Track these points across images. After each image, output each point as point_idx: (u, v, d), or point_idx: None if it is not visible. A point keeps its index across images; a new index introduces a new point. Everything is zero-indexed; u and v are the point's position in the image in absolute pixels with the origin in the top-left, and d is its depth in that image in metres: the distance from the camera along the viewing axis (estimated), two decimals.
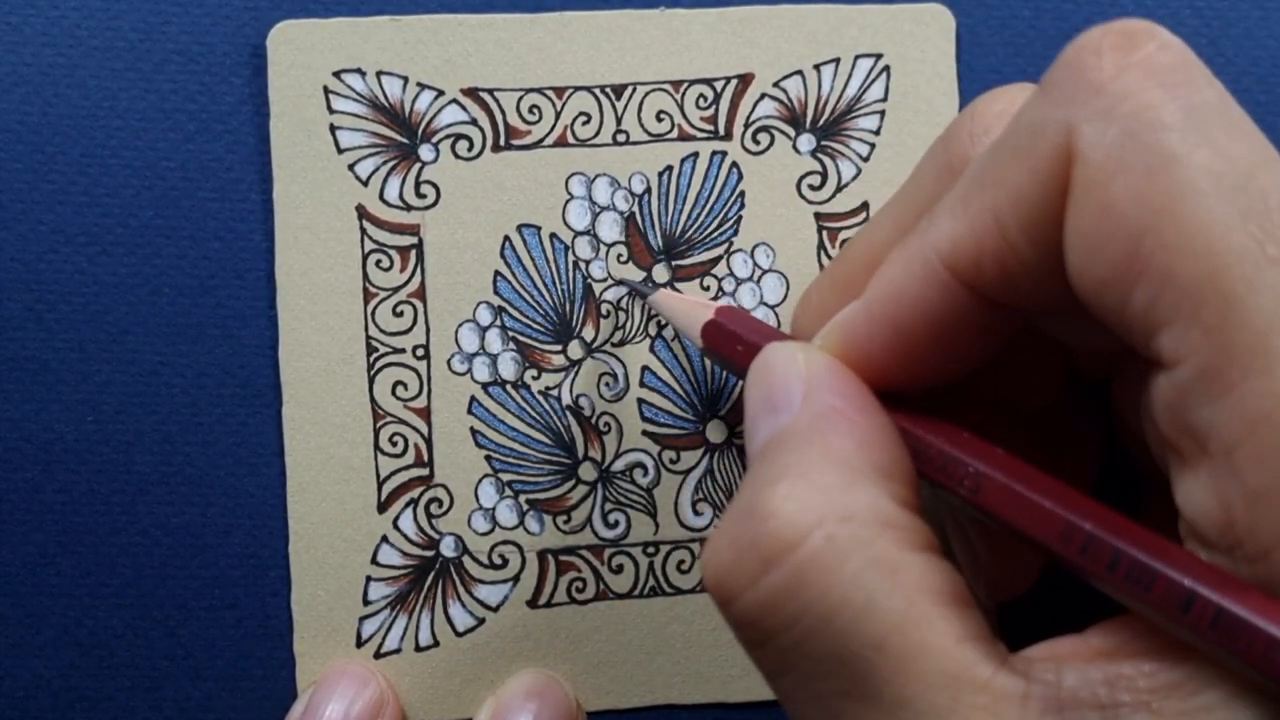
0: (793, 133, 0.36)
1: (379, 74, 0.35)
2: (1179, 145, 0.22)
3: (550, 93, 0.36)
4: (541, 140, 0.36)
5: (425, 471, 0.35)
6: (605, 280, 0.36)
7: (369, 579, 0.35)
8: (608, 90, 0.36)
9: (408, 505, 0.35)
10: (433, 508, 0.35)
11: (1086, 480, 0.30)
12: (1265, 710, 0.21)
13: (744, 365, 0.29)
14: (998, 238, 0.24)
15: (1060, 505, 0.23)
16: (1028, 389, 0.29)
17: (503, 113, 0.36)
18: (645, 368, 0.36)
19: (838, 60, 0.37)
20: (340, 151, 0.35)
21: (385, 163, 0.35)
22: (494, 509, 0.35)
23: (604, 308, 0.36)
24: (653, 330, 0.36)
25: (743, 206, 0.36)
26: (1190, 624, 0.21)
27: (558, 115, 0.36)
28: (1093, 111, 0.22)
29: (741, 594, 0.23)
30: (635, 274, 0.36)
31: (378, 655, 0.35)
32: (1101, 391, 0.29)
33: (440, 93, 0.36)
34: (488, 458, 0.35)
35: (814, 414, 0.25)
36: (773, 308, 0.36)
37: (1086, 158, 0.22)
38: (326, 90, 0.35)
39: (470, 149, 0.36)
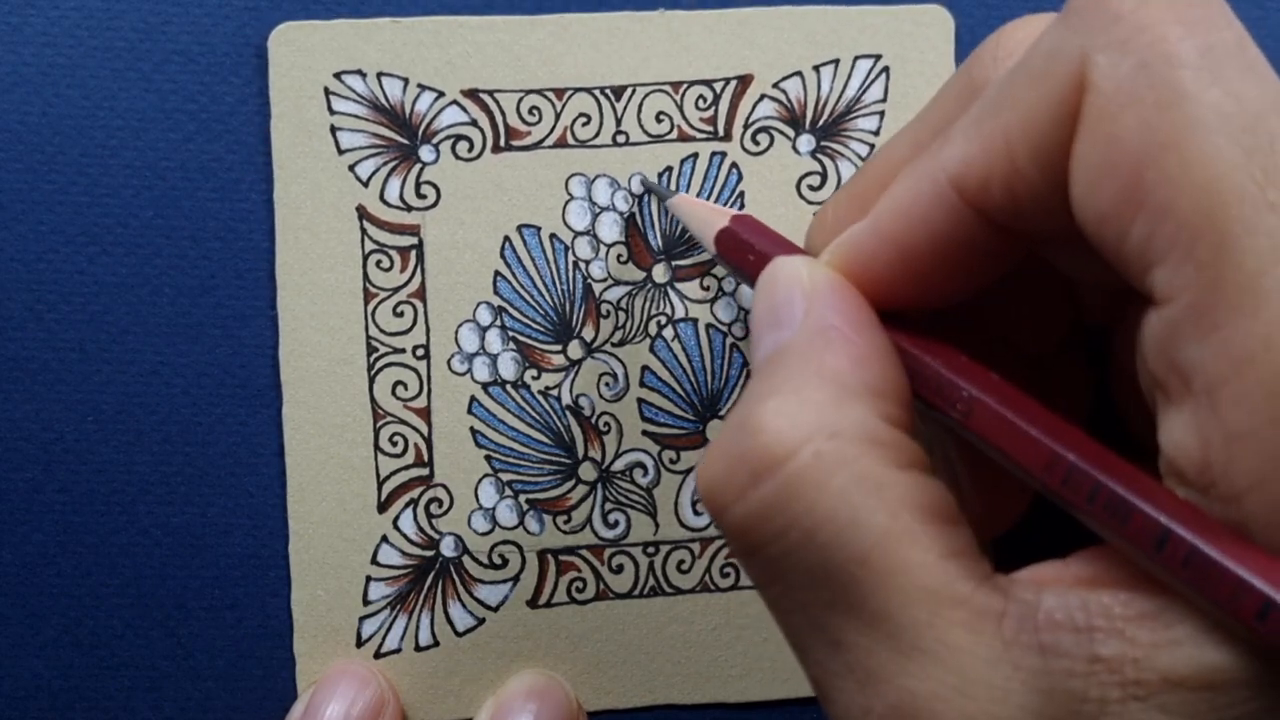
0: (792, 133, 0.36)
1: (379, 75, 0.35)
2: (1191, 82, 0.22)
3: (550, 94, 0.36)
4: (541, 141, 0.36)
5: (425, 471, 0.35)
6: (605, 280, 0.36)
7: (369, 579, 0.35)
8: (607, 91, 0.36)
9: (408, 505, 0.35)
10: (433, 508, 0.35)
11: (1079, 417, 0.30)
12: (1232, 648, 0.21)
13: (754, 275, 0.29)
14: (1006, 161, 0.24)
15: (1047, 435, 0.23)
16: (1031, 329, 0.29)
17: (503, 114, 0.36)
18: (645, 368, 0.36)
19: (837, 61, 0.37)
20: (341, 152, 0.35)
21: (386, 163, 0.35)
22: (494, 509, 0.35)
23: (604, 308, 0.36)
24: (653, 330, 0.36)
25: (742, 207, 0.36)
26: (1163, 561, 0.21)
27: (558, 116, 0.36)
28: (1109, 41, 0.22)
29: (732, 505, 0.24)
30: (635, 274, 0.36)
31: (378, 655, 0.35)
32: (1101, 341, 0.30)
33: (440, 94, 0.36)
34: (488, 458, 0.35)
35: (811, 330, 0.25)
36: None
37: (1098, 87, 0.22)
38: (327, 91, 0.35)
39: (470, 150, 0.36)
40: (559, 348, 0.36)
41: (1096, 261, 0.24)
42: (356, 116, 0.35)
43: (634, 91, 0.36)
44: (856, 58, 0.37)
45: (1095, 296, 0.29)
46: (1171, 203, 0.21)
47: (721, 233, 0.31)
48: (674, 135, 0.36)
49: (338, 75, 0.35)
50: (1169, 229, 0.21)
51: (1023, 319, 0.29)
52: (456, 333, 0.35)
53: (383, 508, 0.35)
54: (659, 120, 0.36)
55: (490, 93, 0.36)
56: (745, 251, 0.30)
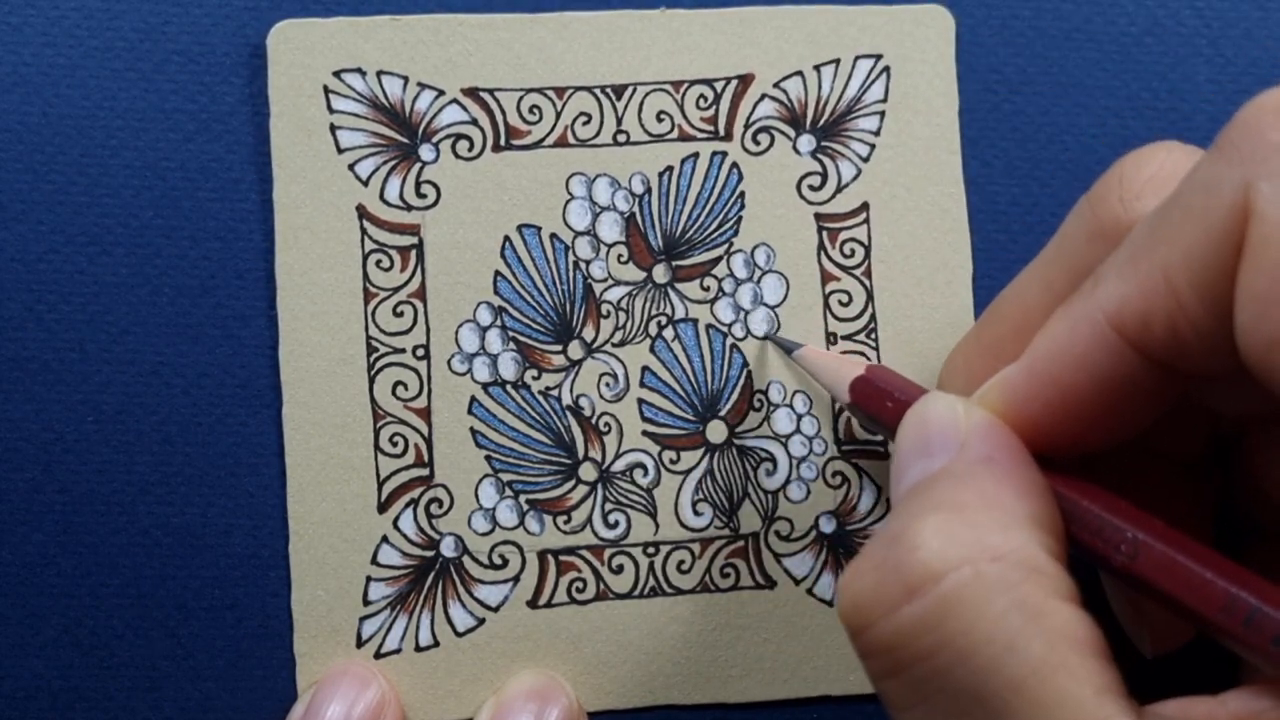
0: (793, 133, 0.36)
1: (379, 74, 0.35)
2: None
3: (551, 93, 0.36)
4: (542, 140, 0.36)
5: (425, 471, 0.35)
6: (605, 280, 0.36)
7: (369, 579, 0.35)
8: (608, 90, 0.36)
9: (408, 505, 0.35)
10: (433, 508, 0.35)
11: (1208, 528, 0.30)
12: None
13: (892, 422, 0.29)
14: (1168, 297, 0.23)
15: (1222, 577, 0.23)
16: (1170, 437, 0.29)
17: (503, 113, 0.36)
18: (645, 368, 0.36)
19: (838, 61, 0.37)
20: (340, 151, 0.35)
21: (385, 163, 0.35)
22: (494, 509, 0.35)
23: (604, 308, 0.36)
24: (653, 330, 0.36)
25: (743, 207, 0.36)
26: None
27: (558, 115, 0.36)
28: (1271, 169, 0.22)
29: (879, 621, 0.23)
30: (636, 274, 0.36)
31: (378, 655, 0.35)
32: (1233, 444, 0.29)
33: (440, 92, 0.36)
34: (488, 458, 0.35)
35: (970, 460, 0.25)
36: (773, 308, 0.36)
37: (1264, 215, 0.22)
38: (327, 90, 0.35)
39: (471, 149, 0.36)
40: (559, 348, 0.36)
41: (1254, 394, 0.23)
42: (356, 115, 0.35)
43: (635, 90, 0.36)
44: (857, 57, 0.37)
45: (1239, 417, 0.28)
46: None
47: (858, 381, 0.32)
48: (675, 135, 0.36)
49: (337, 74, 0.35)
50: None
51: (1165, 431, 0.28)
52: (456, 333, 0.35)
53: (383, 508, 0.35)
54: (660, 119, 0.36)
55: (490, 91, 0.36)
56: (883, 399, 0.31)
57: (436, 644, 0.35)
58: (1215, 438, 0.29)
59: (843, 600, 0.24)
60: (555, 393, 0.35)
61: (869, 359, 0.36)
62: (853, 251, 0.36)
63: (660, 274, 0.36)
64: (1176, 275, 0.23)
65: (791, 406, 0.36)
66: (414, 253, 0.35)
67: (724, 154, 0.36)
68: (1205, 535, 0.29)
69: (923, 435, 0.26)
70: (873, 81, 0.37)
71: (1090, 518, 0.25)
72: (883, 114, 0.37)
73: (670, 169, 0.36)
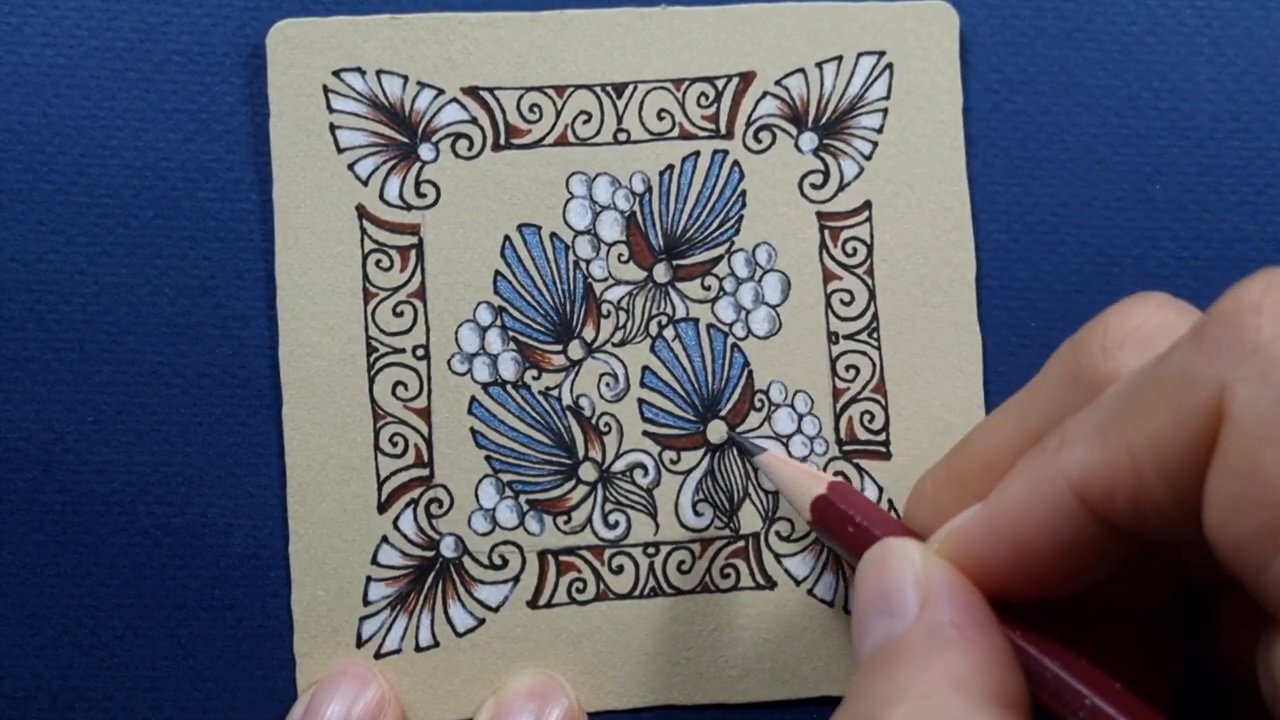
0: (795, 131, 0.36)
1: (379, 73, 0.35)
2: None
3: (551, 91, 0.36)
4: (542, 139, 0.36)
5: (425, 472, 0.35)
6: (606, 280, 0.36)
7: (369, 579, 0.35)
8: (608, 89, 0.36)
9: (408, 505, 0.35)
10: (433, 508, 0.35)
11: (1167, 682, 0.30)
12: None
13: (851, 547, 0.30)
14: (1133, 478, 0.24)
15: None
16: (1136, 591, 0.29)
17: (503, 111, 0.36)
18: (645, 368, 0.36)
19: (840, 58, 0.36)
20: (340, 151, 0.35)
21: (385, 162, 0.35)
22: (494, 509, 0.35)
23: (604, 308, 0.36)
24: (653, 330, 0.36)
25: (744, 205, 0.36)
26: None
27: (558, 114, 0.36)
28: (1248, 372, 0.22)
29: None
30: (637, 274, 0.36)
31: (378, 655, 0.35)
32: (1203, 597, 0.29)
33: (440, 91, 0.36)
34: (488, 458, 0.35)
35: (930, 627, 0.25)
36: (774, 307, 0.36)
37: (1237, 420, 0.22)
38: (326, 89, 0.35)
39: (470, 148, 0.36)
40: (559, 348, 0.36)
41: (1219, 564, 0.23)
42: (356, 115, 0.35)
43: (635, 89, 0.36)
44: (859, 54, 0.36)
45: (1206, 573, 0.28)
46: None
47: (818, 500, 0.31)
48: (675, 133, 0.36)
49: (337, 73, 0.35)
50: None
51: (1128, 582, 0.28)
52: (456, 333, 0.35)
53: (383, 508, 0.35)
54: (660, 118, 0.36)
55: (490, 90, 0.36)
56: (844, 523, 0.31)
57: (436, 644, 0.35)
58: (1184, 590, 0.29)
59: None
60: (555, 393, 0.35)
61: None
62: (855, 250, 0.36)
63: (661, 273, 0.36)
64: (1144, 459, 0.23)
65: (792, 406, 0.36)
66: (414, 252, 0.35)
67: (725, 152, 0.36)
68: (1163, 691, 0.29)
69: (882, 590, 0.26)
70: (875, 79, 0.36)
71: (1049, 678, 0.25)
72: (885, 111, 0.36)
73: (671, 168, 0.36)
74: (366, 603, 0.35)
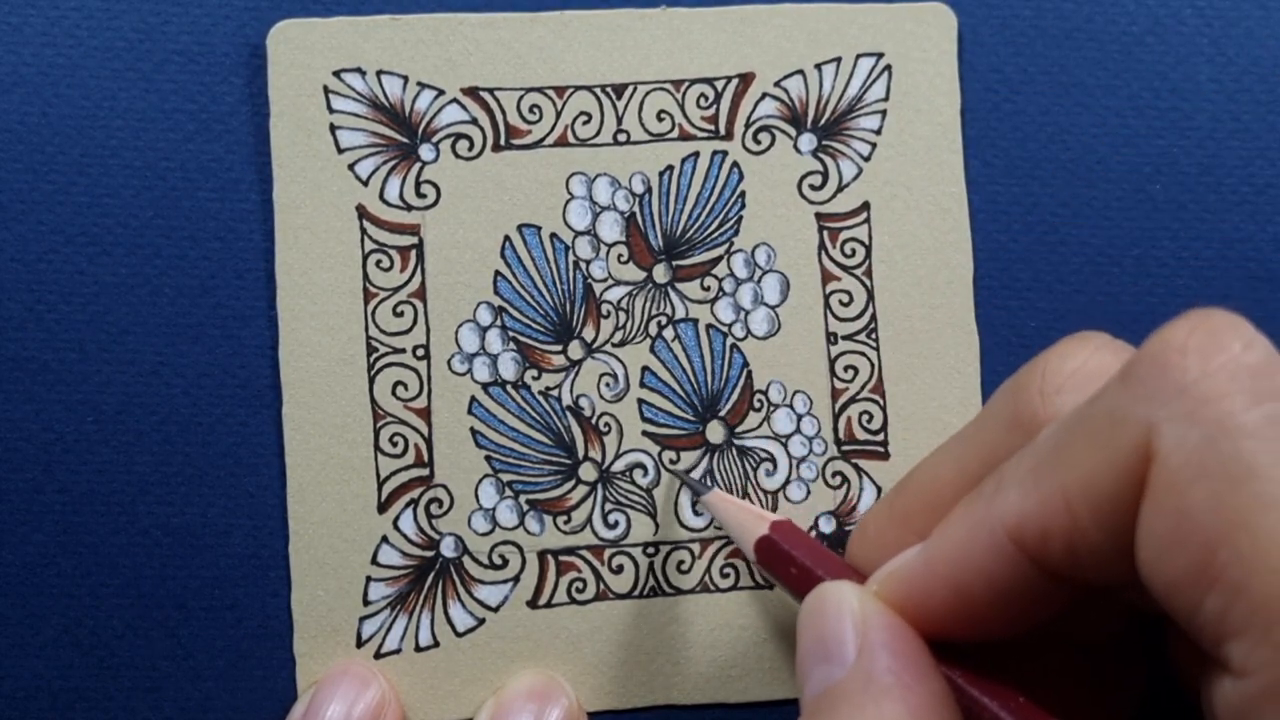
0: (794, 132, 0.36)
1: (379, 73, 0.35)
2: (1261, 456, 0.21)
3: (551, 92, 0.36)
4: (542, 140, 0.36)
5: (425, 472, 0.35)
6: (606, 280, 0.36)
7: (369, 579, 0.35)
8: (608, 90, 0.36)
9: (408, 505, 0.35)
10: (433, 508, 0.35)
11: (1134, 701, 0.30)
12: None
13: (795, 588, 0.30)
14: (1067, 520, 0.24)
15: None
16: (1083, 623, 0.29)
17: (503, 112, 0.36)
18: (645, 368, 0.36)
19: (839, 59, 0.36)
20: (340, 151, 0.35)
21: (385, 162, 0.35)
22: (494, 509, 0.35)
23: (604, 308, 0.36)
24: (653, 330, 0.36)
25: (743, 206, 0.36)
26: None
27: (558, 115, 0.36)
28: (1174, 413, 0.22)
29: None
30: (637, 274, 0.36)
31: (378, 655, 0.35)
32: (1155, 624, 0.29)
33: (440, 92, 0.36)
34: (488, 458, 0.35)
35: (867, 674, 0.25)
36: (773, 308, 0.36)
37: (1165, 460, 0.22)
38: (326, 90, 0.35)
39: (470, 148, 0.36)
40: (559, 348, 0.36)
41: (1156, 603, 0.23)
42: (356, 115, 0.35)
43: (635, 90, 0.36)
44: (858, 56, 0.36)
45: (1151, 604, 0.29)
46: (1245, 583, 0.21)
47: (761, 541, 0.31)
48: (675, 134, 0.36)
49: (337, 73, 0.35)
50: (1244, 607, 0.21)
51: (1075, 614, 0.28)
52: (456, 333, 0.35)
53: (383, 508, 0.35)
54: (660, 119, 0.36)
55: (490, 91, 0.36)
56: (786, 564, 0.31)
57: (436, 644, 0.35)
58: (1138, 618, 0.29)
59: None
60: (555, 393, 0.35)
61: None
62: (853, 251, 0.36)
63: (660, 274, 0.36)
64: (1076, 501, 0.24)
65: (791, 406, 0.36)
66: (414, 253, 0.35)
67: (724, 153, 0.36)
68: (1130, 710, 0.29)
69: (820, 637, 0.26)
70: (874, 80, 0.36)
71: (988, 718, 0.25)
72: (884, 113, 0.36)
73: (671, 168, 0.36)
74: (366, 603, 0.35)
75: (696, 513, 0.35)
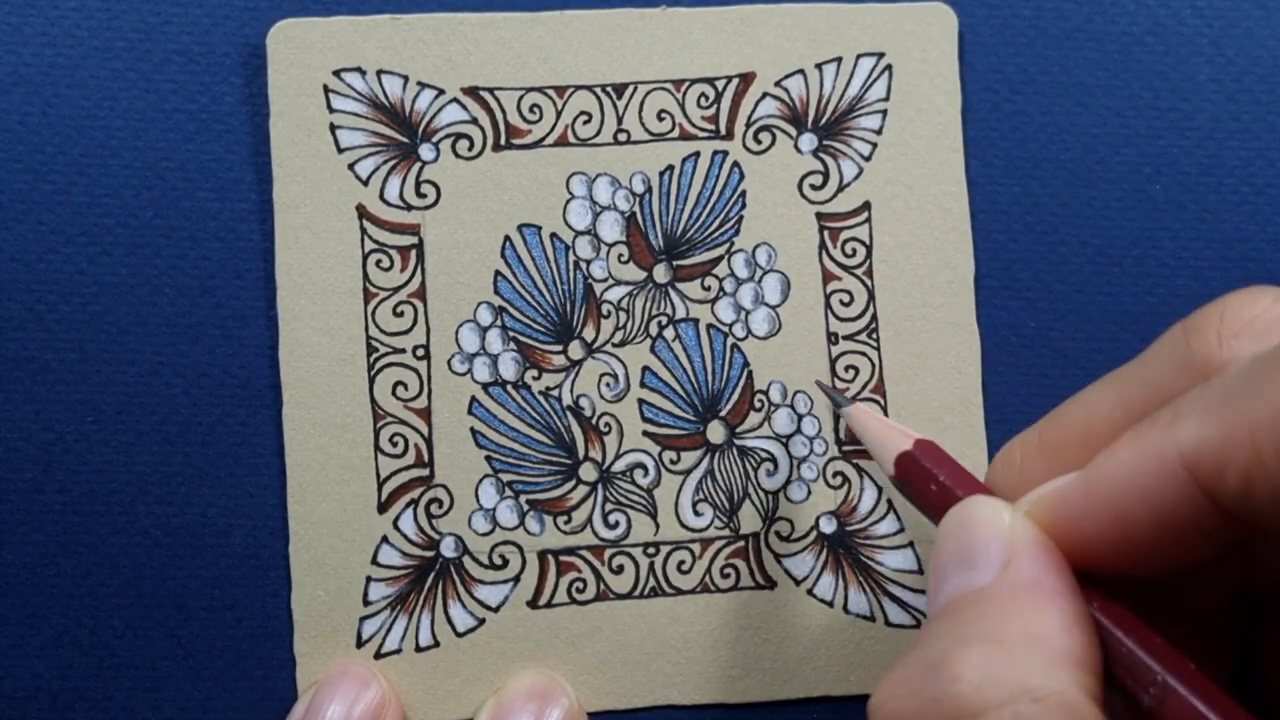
0: (794, 132, 0.36)
1: (379, 73, 0.35)
2: None
3: (551, 92, 0.36)
4: (542, 140, 0.36)
5: (425, 472, 0.35)
6: (606, 280, 0.36)
7: (369, 579, 0.35)
8: (609, 89, 0.36)
9: (408, 505, 0.35)
10: (433, 508, 0.35)
11: (1222, 680, 0.30)
12: None
13: (934, 506, 0.29)
14: (1250, 454, 0.23)
15: None
16: (1198, 587, 0.29)
17: (503, 112, 0.36)
18: (645, 368, 0.36)
19: (839, 59, 0.36)
20: (340, 151, 0.35)
21: (385, 162, 0.35)
22: (494, 509, 0.35)
23: (605, 308, 0.36)
24: (654, 330, 0.36)
25: (744, 206, 0.36)
26: None
27: (558, 114, 0.36)
28: None
29: None
30: (637, 274, 0.36)
31: (378, 655, 0.35)
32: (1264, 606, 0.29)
33: (441, 92, 0.36)
34: (488, 458, 0.35)
35: (1015, 583, 0.25)
36: (773, 308, 0.36)
37: None
38: (326, 89, 0.35)
39: (471, 148, 0.36)
40: (559, 348, 0.36)
41: None
42: (356, 115, 0.35)
43: (635, 89, 0.36)
44: (859, 56, 0.36)
45: (1273, 572, 0.28)
46: None
47: (903, 456, 0.31)
48: (675, 134, 0.36)
49: (337, 73, 0.35)
50: None
51: (1194, 575, 0.28)
52: (457, 333, 0.35)
53: (383, 508, 0.35)
54: (660, 119, 0.36)
55: (491, 90, 0.36)
56: (927, 480, 0.30)
57: (436, 644, 0.35)
58: (1240, 596, 0.29)
59: (875, 716, 0.24)
60: (555, 393, 0.35)
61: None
62: (854, 251, 0.36)
63: (661, 274, 0.36)
64: (1263, 434, 0.23)
65: (792, 407, 0.36)
66: (414, 253, 0.35)
67: (725, 153, 0.36)
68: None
69: (966, 542, 0.26)
70: (875, 80, 0.36)
71: (1124, 653, 0.25)
72: (884, 113, 0.36)
73: (671, 168, 0.36)
74: (366, 603, 0.35)
75: (697, 513, 0.35)
